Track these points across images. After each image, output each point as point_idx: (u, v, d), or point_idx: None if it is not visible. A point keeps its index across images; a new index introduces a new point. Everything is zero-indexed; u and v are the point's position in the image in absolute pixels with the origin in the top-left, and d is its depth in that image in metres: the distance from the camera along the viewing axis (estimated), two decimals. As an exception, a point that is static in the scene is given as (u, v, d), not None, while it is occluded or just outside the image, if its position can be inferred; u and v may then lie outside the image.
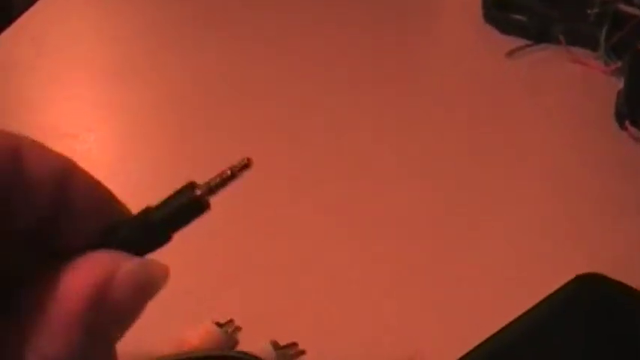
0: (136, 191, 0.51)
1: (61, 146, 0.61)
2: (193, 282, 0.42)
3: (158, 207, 0.23)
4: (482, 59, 0.68)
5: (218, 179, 0.22)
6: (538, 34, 0.69)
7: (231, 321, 0.39)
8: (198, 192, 0.22)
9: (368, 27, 0.72)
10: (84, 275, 0.19)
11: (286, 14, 0.73)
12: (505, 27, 0.72)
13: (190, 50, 0.68)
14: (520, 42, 0.69)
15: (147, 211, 0.23)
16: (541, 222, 0.46)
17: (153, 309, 0.37)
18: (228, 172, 0.22)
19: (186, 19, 0.73)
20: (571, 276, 0.36)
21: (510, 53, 0.68)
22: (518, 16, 0.72)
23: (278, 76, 0.63)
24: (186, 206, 0.22)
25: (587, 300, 0.34)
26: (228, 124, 0.58)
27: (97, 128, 0.58)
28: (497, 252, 0.44)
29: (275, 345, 0.36)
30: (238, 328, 0.39)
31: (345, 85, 0.62)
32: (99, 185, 0.22)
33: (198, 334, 0.37)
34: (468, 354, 0.32)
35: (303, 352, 0.37)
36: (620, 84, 0.59)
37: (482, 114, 0.59)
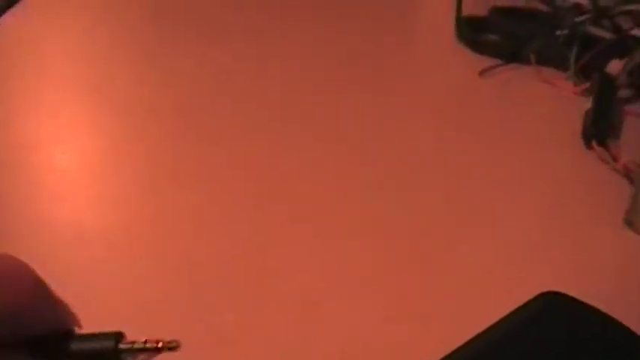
0: (101, 203, 0.51)
1: (25, 158, 0.59)
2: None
3: (80, 338, 0.25)
4: (455, 78, 0.69)
5: (142, 345, 0.24)
6: (510, 54, 0.70)
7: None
8: (121, 346, 0.24)
9: (341, 46, 0.73)
10: None
11: (267, 28, 0.73)
12: (478, 47, 0.73)
13: (164, 61, 0.67)
14: (492, 61, 0.70)
15: (69, 336, 0.25)
16: (505, 240, 0.47)
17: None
18: (156, 345, 0.24)
19: (160, 28, 0.72)
20: (532, 293, 0.36)
21: (482, 72, 0.69)
22: (490, 36, 0.73)
23: (257, 85, 0.63)
24: (103, 352, 0.24)
25: (548, 318, 0.34)
26: (204, 133, 0.57)
27: (63, 140, 0.57)
28: (460, 269, 0.44)
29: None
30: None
31: (321, 106, 0.63)
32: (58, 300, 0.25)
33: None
34: None
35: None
36: (588, 104, 0.60)
37: (453, 131, 0.59)
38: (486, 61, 0.70)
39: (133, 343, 0.24)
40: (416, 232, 0.47)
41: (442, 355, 0.32)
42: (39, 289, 0.24)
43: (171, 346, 0.24)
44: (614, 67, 0.63)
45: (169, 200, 0.50)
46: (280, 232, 0.47)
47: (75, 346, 0.24)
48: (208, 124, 0.59)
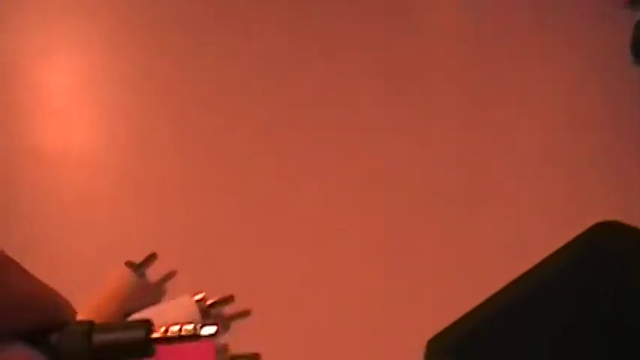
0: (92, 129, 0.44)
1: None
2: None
3: (103, 328, 0.21)
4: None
5: (177, 333, 0.21)
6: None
7: (152, 256, 0.30)
8: (154, 335, 0.21)
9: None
10: None
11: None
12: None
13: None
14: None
15: (90, 327, 0.21)
16: (552, 166, 0.39)
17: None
18: (194, 332, 0.21)
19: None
20: (589, 223, 0.30)
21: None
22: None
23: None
24: (132, 343, 0.21)
25: (606, 248, 0.29)
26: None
27: (53, 59, 0.49)
28: (508, 199, 0.36)
29: (200, 302, 0.28)
30: (171, 275, 0.31)
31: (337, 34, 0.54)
32: (35, 284, 0.21)
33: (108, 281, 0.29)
34: (484, 303, 0.27)
35: (248, 313, 0.29)
36: (638, 14, 0.52)
37: (481, 45, 0.50)
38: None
39: (167, 331, 0.21)
40: (454, 160, 0.39)
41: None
42: (6, 273, 0.20)
43: (210, 333, 0.21)
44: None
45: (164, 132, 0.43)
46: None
47: (97, 338, 0.21)
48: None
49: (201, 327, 0.21)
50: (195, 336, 0.21)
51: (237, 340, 0.28)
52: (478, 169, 0.39)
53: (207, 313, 0.28)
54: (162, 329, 0.21)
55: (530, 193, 0.37)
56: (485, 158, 0.40)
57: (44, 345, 0.21)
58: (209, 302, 0.28)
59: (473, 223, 0.35)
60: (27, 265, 0.23)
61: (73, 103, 0.45)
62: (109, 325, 0.22)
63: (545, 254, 0.29)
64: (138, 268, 0.30)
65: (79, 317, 0.28)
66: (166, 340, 0.21)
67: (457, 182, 0.38)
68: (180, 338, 0.21)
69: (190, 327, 0.21)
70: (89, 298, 0.29)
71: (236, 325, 0.29)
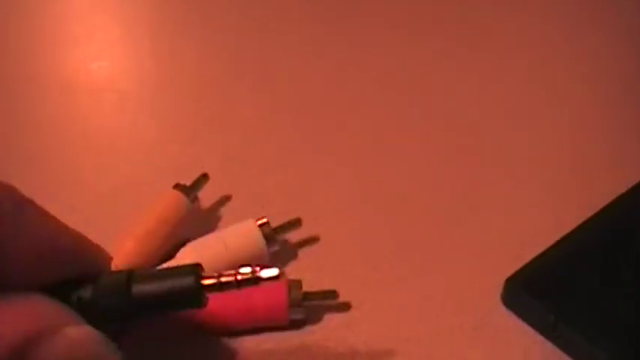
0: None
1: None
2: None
3: (144, 276, 0.18)
4: None
5: (234, 279, 0.18)
6: None
7: (203, 177, 0.27)
8: (205, 282, 0.18)
9: None
10: (14, 321, 0.16)
11: None
12: None
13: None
14: None
15: (129, 277, 0.18)
16: (600, 114, 0.34)
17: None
18: (250, 275, 0.18)
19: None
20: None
21: None
22: None
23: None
24: (179, 292, 0.18)
25: None
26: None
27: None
28: (560, 150, 0.32)
29: (264, 226, 0.25)
30: (227, 197, 0.28)
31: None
32: (59, 229, 0.19)
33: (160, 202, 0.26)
34: (560, 241, 0.26)
35: (316, 240, 0.26)
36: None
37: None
38: None
39: (220, 276, 0.18)
40: (497, 110, 0.35)
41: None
42: (21, 215, 0.17)
43: (272, 275, 0.18)
44: None
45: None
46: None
47: (138, 288, 0.18)
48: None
49: (261, 269, 0.18)
50: (254, 280, 0.18)
51: (306, 269, 0.25)
52: (527, 113, 0.34)
53: (272, 238, 0.25)
54: (215, 274, 0.18)
55: (578, 143, 0.32)
56: (532, 104, 0.35)
57: (75, 300, 0.18)
58: (274, 227, 0.25)
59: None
60: (55, 204, 0.19)
61: (96, 28, 0.41)
62: (151, 272, 0.19)
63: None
64: (189, 191, 0.26)
65: (123, 247, 0.25)
66: (220, 286, 0.18)
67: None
68: (237, 284, 0.18)
69: (247, 270, 0.18)
70: (134, 226, 0.26)
71: (303, 254, 0.26)
